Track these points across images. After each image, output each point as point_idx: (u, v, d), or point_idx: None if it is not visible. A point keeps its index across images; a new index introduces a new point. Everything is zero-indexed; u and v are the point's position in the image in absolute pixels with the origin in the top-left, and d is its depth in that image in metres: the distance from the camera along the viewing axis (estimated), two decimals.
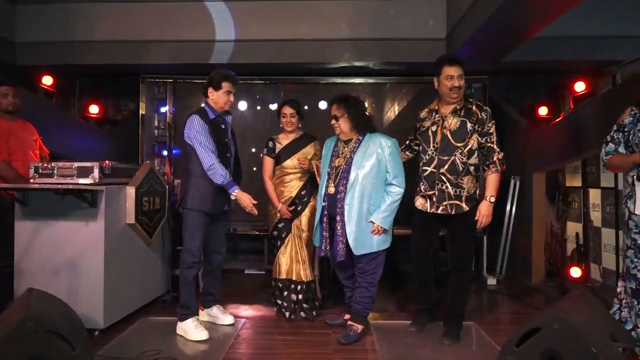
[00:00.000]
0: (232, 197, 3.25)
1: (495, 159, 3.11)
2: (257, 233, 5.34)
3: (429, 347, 3.14)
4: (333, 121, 3.29)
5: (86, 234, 3.22)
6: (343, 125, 3.26)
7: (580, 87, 4.73)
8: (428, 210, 3.19)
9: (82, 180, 3.20)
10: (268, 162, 3.83)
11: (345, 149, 3.30)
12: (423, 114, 3.34)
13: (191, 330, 3.26)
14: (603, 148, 2.89)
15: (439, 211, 3.15)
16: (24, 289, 2.84)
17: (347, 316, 3.48)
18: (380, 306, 3.89)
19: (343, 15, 4.84)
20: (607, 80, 4.81)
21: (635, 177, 2.77)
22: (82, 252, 3.22)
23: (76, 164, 3.24)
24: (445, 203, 3.14)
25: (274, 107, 5.64)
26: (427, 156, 3.21)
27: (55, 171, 3.23)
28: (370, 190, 3.17)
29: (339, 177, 3.23)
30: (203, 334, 3.24)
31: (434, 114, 3.25)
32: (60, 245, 3.23)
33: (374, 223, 3.14)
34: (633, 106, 2.78)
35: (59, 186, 3.06)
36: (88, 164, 3.23)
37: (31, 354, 2.30)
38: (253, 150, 5.58)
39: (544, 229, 5.20)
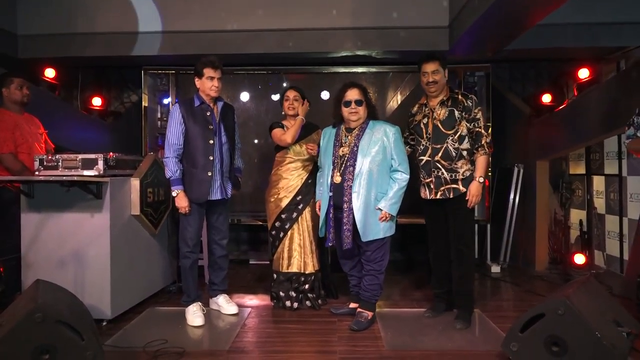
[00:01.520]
0: (173, 194, 3.32)
1: (483, 142, 3.30)
2: (261, 223, 5.35)
3: (433, 334, 3.16)
4: (354, 106, 3.26)
5: (92, 226, 3.24)
6: (362, 112, 3.27)
7: (584, 74, 4.70)
8: (428, 197, 3.36)
9: (86, 172, 3.21)
10: (278, 130, 3.72)
11: (349, 137, 3.29)
12: (414, 109, 3.56)
13: (189, 315, 3.38)
14: (626, 132, 3.04)
15: (437, 196, 3.32)
16: (31, 281, 2.88)
17: (352, 305, 3.51)
18: (384, 294, 3.91)
19: (345, 4, 4.81)
20: (611, 68, 4.78)
21: None
22: (88, 243, 3.24)
23: (81, 156, 3.25)
24: (442, 188, 3.31)
25: (276, 97, 5.64)
26: (421, 147, 3.39)
27: (60, 163, 3.24)
28: (376, 177, 3.19)
29: (344, 166, 3.23)
30: (198, 320, 3.34)
31: (423, 107, 3.46)
32: (66, 236, 3.25)
33: (381, 210, 3.18)
34: None
35: (65, 178, 3.07)
36: (92, 156, 3.24)
37: (40, 345, 2.34)
38: (255, 141, 5.58)
39: (548, 216, 5.20)
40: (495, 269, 5.00)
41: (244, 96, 5.62)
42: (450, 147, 3.28)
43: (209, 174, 3.34)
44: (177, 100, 3.43)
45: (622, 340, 2.46)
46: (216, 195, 3.41)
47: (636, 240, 3.79)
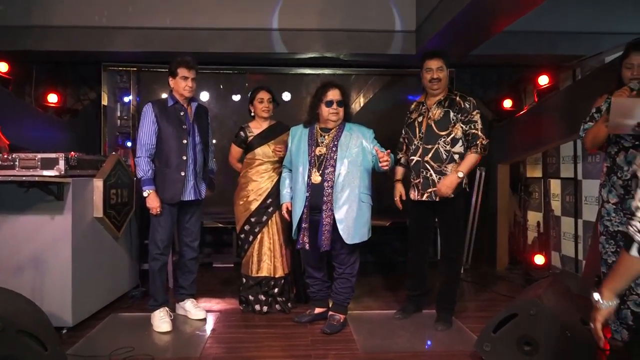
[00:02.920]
0: (144, 194, 3.25)
1: (478, 142, 3.19)
2: (223, 226, 5.25)
3: (406, 336, 3.18)
4: (335, 106, 3.20)
5: (52, 229, 3.07)
6: (342, 113, 3.24)
7: (544, 80, 4.89)
8: (415, 198, 3.30)
9: (46, 172, 3.03)
10: (235, 149, 3.77)
11: (326, 137, 3.24)
12: (412, 107, 3.49)
13: (156, 321, 3.28)
14: (582, 126, 2.96)
15: (423, 198, 3.26)
16: None
17: (318, 310, 3.46)
18: (355, 297, 3.91)
19: (314, 5, 4.80)
20: (568, 75, 4.99)
21: (607, 166, 2.89)
22: (48, 247, 3.07)
23: (40, 155, 3.06)
24: (429, 190, 3.24)
25: (236, 98, 5.58)
26: (413, 146, 3.33)
27: (17, 162, 3.04)
28: (358, 177, 3.16)
29: (323, 166, 3.17)
30: (165, 326, 3.24)
31: (420, 106, 3.39)
32: (23, 240, 3.07)
33: (376, 155, 3.08)
34: (607, 94, 2.88)
35: (25, 178, 2.90)
36: (53, 155, 3.06)
37: (1, 356, 2.19)
38: (214, 141, 5.48)
39: (508, 218, 5.36)
40: None
41: (204, 96, 5.52)
42: (441, 149, 3.20)
43: (182, 173, 3.27)
44: (150, 101, 3.33)
45: (590, 339, 2.54)
46: (190, 195, 3.33)
47: (593, 241, 3.96)
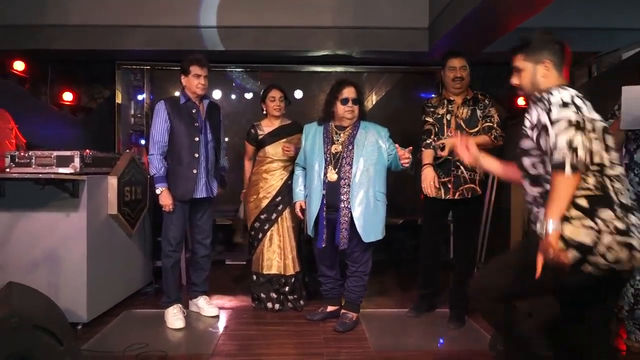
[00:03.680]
0: (157, 192, 3.26)
1: (494, 130, 3.24)
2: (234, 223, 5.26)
3: (418, 334, 3.18)
4: (351, 104, 3.20)
5: (67, 226, 3.11)
6: (356, 110, 3.23)
7: None
8: (443, 197, 3.25)
9: (62, 170, 3.08)
10: (249, 147, 3.80)
11: (342, 135, 3.24)
12: (434, 101, 3.42)
13: (169, 318, 3.31)
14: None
15: (455, 197, 3.24)
16: (2, 284, 2.73)
17: (330, 308, 3.46)
18: (367, 295, 3.90)
19: (325, 2, 4.78)
20: (584, 72, 4.92)
21: (625, 163, 2.80)
22: (63, 244, 3.11)
23: (55, 153, 3.11)
24: (461, 188, 3.25)
25: (249, 95, 5.59)
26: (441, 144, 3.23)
27: (33, 160, 3.10)
28: (373, 176, 3.15)
29: (340, 164, 3.17)
30: (178, 323, 3.27)
31: (445, 102, 3.35)
32: (39, 237, 3.11)
33: (393, 151, 3.13)
34: None
35: (41, 176, 2.94)
36: (68, 153, 3.11)
37: (16, 351, 2.21)
38: (227, 139, 5.51)
39: (522, 216, 5.31)
40: None
41: (217, 94, 5.54)
42: None
43: (194, 171, 3.28)
44: (163, 98, 3.36)
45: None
46: (201, 193, 3.34)
47: None
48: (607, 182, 1.77)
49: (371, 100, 5.78)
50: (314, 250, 3.39)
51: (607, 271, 1.72)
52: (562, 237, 1.69)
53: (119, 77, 5.24)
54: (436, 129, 3.32)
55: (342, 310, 3.33)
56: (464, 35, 4.21)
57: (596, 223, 1.70)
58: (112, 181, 3.41)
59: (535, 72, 2.02)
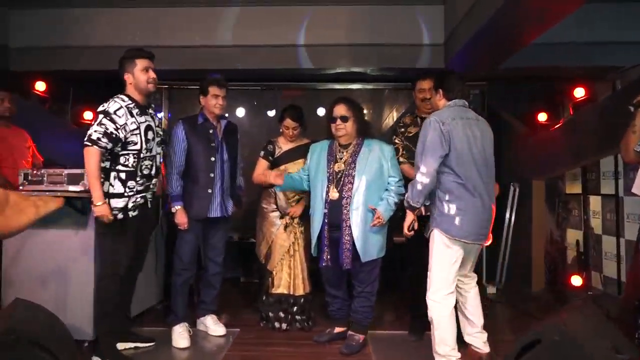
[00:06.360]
0: (172, 210, 3.29)
1: None
2: (253, 241, 5.23)
3: (426, 356, 3.06)
4: (339, 122, 3.19)
5: (76, 242, 3.17)
6: (349, 128, 3.20)
7: (579, 93, 4.67)
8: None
9: (72, 188, 3.14)
10: (262, 163, 3.70)
11: (345, 153, 3.22)
12: (407, 120, 3.55)
13: (175, 336, 3.30)
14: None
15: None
16: (11, 299, 2.77)
17: (338, 329, 3.40)
18: (375, 316, 3.81)
19: (341, 20, 4.79)
20: (607, 87, 4.75)
21: None
22: (71, 260, 3.16)
23: (67, 171, 3.19)
24: None
25: (271, 113, 5.61)
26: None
27: (45, 178, 3.18)
28: (373, 195, 3.11)
29: (341, 183, 3.14)
30: (183, 342, 3.26)
31: (419, 120, 3.43)
32: (49, 253, 3.18)
33: (374, 212, 3.06)
34: None
35: (47, 194, 3.00)
36: (78, 171, 3.17)
37: None
38: (246, 155, 5.52)
39: (544, 236, 5.13)
40: (491, 289, 4.91)
41: (240, 112, 5.59)
42: None
43: (209, 190, 3.31)
44: (181, 118, 3.48)
45: None
46: (215, 212, 3.35)
47: (634, 262, 3.71)
48: None
49: (392, 117, 5.74)
50: (321, 271, 3.33)
51: None
52: None
53: None
54: (402, 150, 3.45)
55: (349, 332, 3.26)
56: (479, 50, 4.14)
57: None
58: None
59: None
